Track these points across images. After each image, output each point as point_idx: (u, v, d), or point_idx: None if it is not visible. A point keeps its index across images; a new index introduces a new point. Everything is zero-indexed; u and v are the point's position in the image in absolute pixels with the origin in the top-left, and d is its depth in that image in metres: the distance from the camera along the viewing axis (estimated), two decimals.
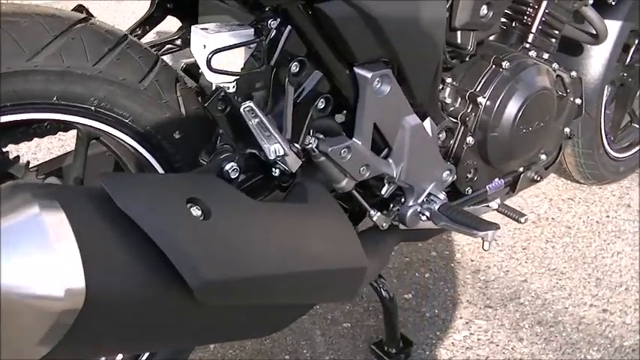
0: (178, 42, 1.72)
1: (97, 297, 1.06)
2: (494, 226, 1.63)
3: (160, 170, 1.46)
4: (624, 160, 2.73)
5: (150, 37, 1.66)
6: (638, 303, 2.27)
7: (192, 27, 1.36)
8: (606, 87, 2.48)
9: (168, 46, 1.72)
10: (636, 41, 2.58)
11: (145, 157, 1.45)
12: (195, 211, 1.18)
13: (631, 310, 2.23)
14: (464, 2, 1.62)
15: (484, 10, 1.66)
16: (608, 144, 2.61)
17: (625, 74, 2.58)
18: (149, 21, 1.67)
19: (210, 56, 1.31)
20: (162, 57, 1.54)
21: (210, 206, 1.19)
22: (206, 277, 1.13)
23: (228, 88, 1.38)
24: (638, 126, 2.83)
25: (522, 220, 1.86)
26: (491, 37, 1.94)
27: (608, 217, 2.63)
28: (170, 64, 1.43)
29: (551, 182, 2.75)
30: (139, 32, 1.67)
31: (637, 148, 2.79)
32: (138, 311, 1.14)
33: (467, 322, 2.15)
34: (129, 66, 1.36)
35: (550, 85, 1.84)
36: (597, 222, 2.60)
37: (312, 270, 1.31)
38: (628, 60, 2.58)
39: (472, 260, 2.37)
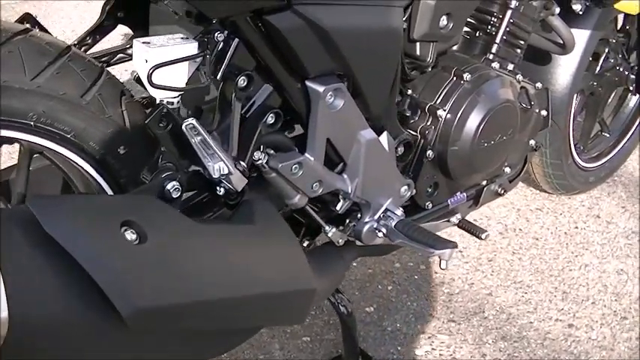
0: (130, 51, 1.66)
1: (23, 327, 1.01)
2: (452, 245, 1.58)
3: (106, 186, 1.42)
4: (594, 170, 2.69)
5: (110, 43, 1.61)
6: (604, 318, 2.22)
7: (134, 40, 1.31)
8: (575, 96, 2.43)
9: (119, 55, 1.67)
10: (606, 50, 2.53)
11: (89, 173, 1.39)
12: (130, 235, 1.13)
13: (597, 325, 2.20)
14: (422, 13, 1.57)
15: (444, 21, 1.61)
16: (578, 154, 2.57)
17: (595, 83, 2.54)
18: (99, 30, 1.61)
19: (150, 71, 1.25)
20: (114, 66, 1.48)
21: (147, 229, 1.14)
22: (137, 304, 1.08)
23: (173, 103, 1.32)
24: (608, 135, 2.78)
25: (483, 236, 1.82)
26: (455, 47, 1.88)
27: (576, 228, 2.59)
28: (122, 73, 1.37)
29: (520, 192, 2.70)
30: (89, 41, 1.61)
31: (607, 158, 2.75)
32: (67, 341, 1.09)
33: (429, 337, 2.10)
34: (70, 80, 1.32)
35: (513, 98, 1.79)
36: (565, 233, 2.56)
37: (254, 294, 1.26)
38: (598, 69, 2.53)
39: (436, 272, 2.32)
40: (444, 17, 1.62)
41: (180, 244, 1.19)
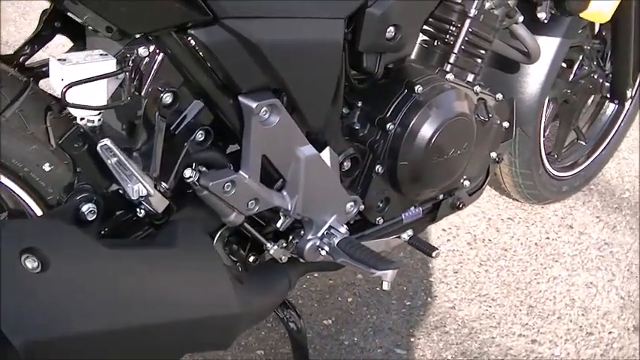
0: None
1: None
2: (394, 265, 1.53)
3: (34, 205, 1.36)
4: (567, 180, 2.63)
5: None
6: (569, 333, 2.17)
7: (50, 58, 1.25)
8: (547, 104, 2.37)
9: None
10: (580, 57, 2.47)
11: (14, 191, 1.34)
12: (31, 263, 1.08)
13: (561, 341, 2.15)
14: (367, 24, 1.51)
15: (391, 32, 1.56)
16: (550, 163, 2.51)
17: (569, 91, 2.48)
18: (37, 40, 1.55)
19: (64, 90, 1.20)
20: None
21: (50, 256, 1.09)
22: (30, 335, 1.02)
23: (94, 121, 1.27)
24: (584, 143, 2.72)
25: (434, 254, 1.76)
26: (413, 56, 1.82)
27: (547, 238, 2.53)
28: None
29: (492, 201, 2.65)
30: (28, 51, 1.56)
31: (582, 167, 2.69)
32: None
33: (386, 352, 2.05)
34: None
35: (468, 111, 1.73)
36: (536, 244, 2.50)
37: (171, 321, 1.21)
38: (572, 76, 2.47)
39: (399, 284, 2.27)
40: (391, 28, 1.56)
41: (88, 271, 1.14)
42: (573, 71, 2.50)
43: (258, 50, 1.34)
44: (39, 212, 1.37)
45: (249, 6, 1.32)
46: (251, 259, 1.66)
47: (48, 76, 1.53)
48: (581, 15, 1.99)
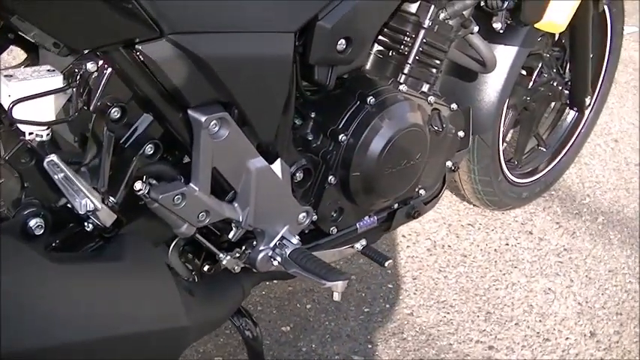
0: None
1: None
2: (344, 277, 1.55)
3: None
4: (527, 186, 2.66)
5: None
6: (526, 340, 2.19)
7: None
8: (506, 112, 2.40)
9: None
10: (539, 64, 2.49)
11: None
12: None
13: (518, 348, 2.17)
14: (318, 37, 1.52)
15: (342, 44, 1.57)
16: (509, 170, 2.54)
17: (528, 98, 2.50)
18: None
19: (11, 106, 1.21)
20: None
21: None
22: None
23: (42, 136, 1.28)
24: (545, 149, 2.75)
25: (386, 264, 1.78)
26: (368, 66, 1.84)
27: (507, 244, 2.56)
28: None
29: (453, 207, 2.67)
30: None
31: (542, 173, 2.72)
32: None
33: (344, 359, 2.06)
34: None
35: (421, 122, 1.75)
36: (495, 250, 2.53)
37: (115, 335, 1.22)
38: (531, 84, 2.49)
39: (358, 291, 2.29)
40: (342, 40, 1.57)
41: (34, 287, 1.15)
42: (533, 79, 2.53)
43: (206, 65, 1.34)
44: None
45: (197, 21, 1.33)
46: (206, 268, 1.67)
47: None
48: (535, 26, 2.01)
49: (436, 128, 1.84)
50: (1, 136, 1.33)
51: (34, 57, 1.50)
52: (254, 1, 1.41)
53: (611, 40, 2.75)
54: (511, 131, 2.66)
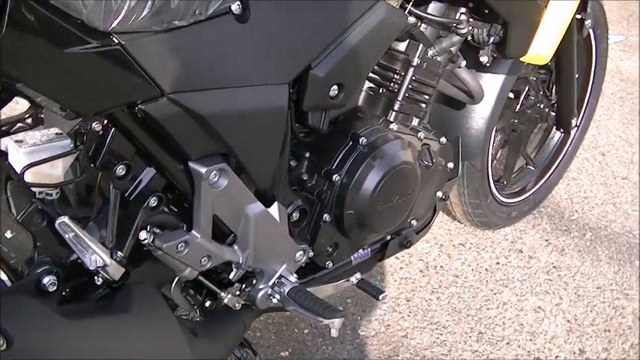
0: (29, 120, 1.67)
1: None
2: (340, 314, 1.63)
3: None
4: (516, 205, 2.73)
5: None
6: (517, 359, 2.26)
7: (8, 139, 1.33)
8: (494, 134, 2.47)
9: (19, 124, 1.67)
10: (526, 88, 2.57)
11: None
12: None
13: None
14: (311, 85, 1.59)
15: (334, 90, 1.64)
16: (498, 190, 2.61)
17: (516, 120, 2.58)
18: None
19: (23, 171, 1.28)
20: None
21: (13, 332, 1.17)
22: None
23: (52, 195, 1.35)
24: (534, 168, 2.83)
25: (381, 297, 1.86)
26: (360, 102, 1.91)
27: (498, 264, 2.63)
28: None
29: (444, 226, 2.74)
30: None
31: (531, 192, 2.79)
32: None
33: None
34: None
35: (412, 159, 1.82)
36: (486, 270, 2.60)
37: None
38: (519, 107, 2.56)
39: (353, 314, 2.36)
40: (335, 87, 1.64)
41: (50, 344, 1.22)
42: (520, 102, 2.61)
43: (205, 121, 1.41)
44: (2, 276, 1.44)
45: (195, 79, 1.39)
46: (207, 303, 1.74)
47: (9, 133, 1.60)
48: (521, 59, 2.07)
49: (426, 163, 1.91)
50: (12, 193, 1.39)
51: (39, 105, 1.56)
52: (249, 56, 1.46)
53: (596, 60, 2.82)
54: (499, 151, 2.73)
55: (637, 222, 2.94)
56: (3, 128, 1.56)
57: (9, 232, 1.40)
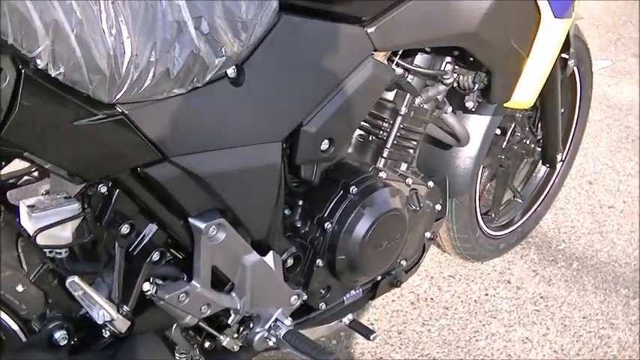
0: (35, 174, 1.76)
1: None
2: (333, 356, 1.72)
3: (10, 321, 1.53)
4: (504, 237, 2.82)
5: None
6: None
7: (20, 203, 1.42)
8: (482, 171, 2.56)
9: (25, 177, 1.77)
10: (513, 125, 2.66)
11: None
12: None
13: None
14: (303, 141, 1.68)
15: (325, 144, 1.73)
16: (486, 223, 2.70)
17: (503, 157, 2.67)
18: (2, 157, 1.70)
19: (35, 234, 1.37)
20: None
21: None
22: None
23: (61, 253, 1.44)
24: (521, 201, 2.92)
25: (372, 337, 1.95)
26: (350, 149, 2.00)
27: (486, 295, 2.72)
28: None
29: (434, 258, 2.84)
30: None
31: (518, 224, 2.88)
32: None
33: None
34: None
35: (400, 205, 1.92)
36: (475, 301, 2.69)
37: None
38: (505, 143, 2.66)
39: (347, 347, 2.44)
40: (326, 141, 1.73)
41: None
42: (507, 138, 2.69)
43: (203, 181, 1.51)
44: (14, 326, 1.54)
45: (194, 142, 1.49)
46: (207, 344, 1.84)
47: (16, 186, 1.70)
48: (504, 105, 2.17)
49: (414, 208, 2.01)
50: (22, 249, 1.49)
51: None
52: (245, 117, 1.56)
53: (580, 95, 2.92)
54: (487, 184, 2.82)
55: (622, 251, 3.02)
56: (10, 181, 1.66)
57: (20, 285, 1.50)
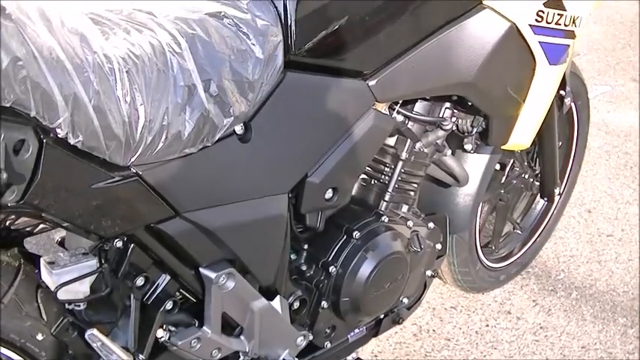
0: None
1: None
2: None
3: None
4: (504, 269, 2.90)
5: None
6: None
7: (41, 259, 1.51)
8: (482, 205, 2.64)
9: (42, 225, 1.85)
10: (511, 160, 2.74)
11: (12, 359, 1.59)
12: None
13: None
14: (308, 191, 1.76)
15: (329, 193, 1.81)
16: (486, 256, 2.78)
17: (502, 191, 2.75)
18: None
19: (56, 290, 1.46)
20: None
21: None
22: None
23: (80, 305, 1.53)
24: (520, 232, 3.00)
25: None
26: (353, 192, 2.09)
27: (487, 326, 2.80)
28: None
29: (436, 290, 2.91)
30: (2, 216, 1.78)
31: (518, 255, 2.96)
32: None
33: None
34: None
35: (401, 248, 2.00)
36: (476, 332, 2.76)
37: None
38: (504, 178, 2.73)
39: None
40: (330, 190, 1.81)
41: None
42: (506, 173, 2.77)
43: (214, 234, 1.60)
44: None
45: (205, 198, 1.58)
46: None
47: (32, 234, 1.78)
48: (502, 147, 2.25)
49: (415, 249, 2.09)
50: (42, 300, 1.57)
51: None
52: (252, 172, 1.65)
53: (578, 129, 3.00)
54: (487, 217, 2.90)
55: (620, 280, 3.09)
56: (27, 229, 1.74)
57: (40, 334, 1.58)
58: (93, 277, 1.52)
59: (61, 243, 1.83)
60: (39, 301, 1.57)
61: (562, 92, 2.57)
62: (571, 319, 2.87)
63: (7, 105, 1.21)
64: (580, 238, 3.33)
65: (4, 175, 1.22)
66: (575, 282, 3.07)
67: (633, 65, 5.07)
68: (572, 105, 2.85)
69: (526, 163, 2.83)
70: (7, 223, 1.66)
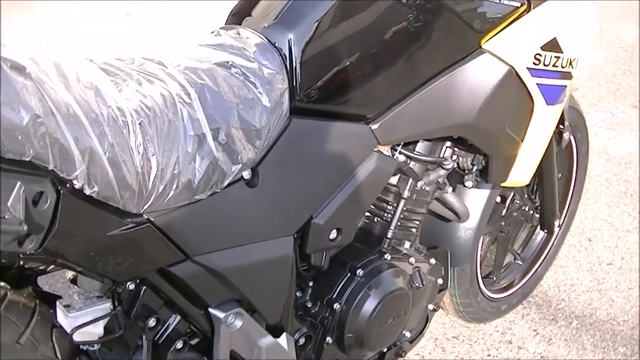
0: None
1: None
2: None
3: None
4: (505, 299, 2.95)
5: None
6: None
7: (57, 303, 1.57)
8: (483, 238, 2.70)
9: (53, 266, 1.91)
10: (512, 193, 2.80)
11: None
12: None
13: None
14: (313, 232, 1.82)
15: (334, 234, 1.87)
16: (487, 287, 2.83)
17: (503, 223, 2.81)
18: None
19: (72, 332, 1.52)
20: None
21: None
22: None
23: (94, 346, 1.59)
24: (521, 263, 3.05)
25: None
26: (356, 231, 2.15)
27: (489, 355, 2.85)
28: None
29: (438, 320, 2.96)
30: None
31: (518, 286, 3.01)
32: None
33: None
34: (6, 328, 1.55)
35: (404, 284, 2.06)
36: None
37: None
38: (505, 211, 2.79)
39: None
40: (334, 231, 1.88)
41: None
42: (506, 206, 2.83)
43: (222, 276, 1.66)
44: None
45: (214, 242, 1.64)
46: None
47: (45, 272, 1.84)
48: (501, 185, 2.32)
49: (417, 285, 2.15)
50: (56, 339, 1.64)
51: None
52: (259, 216, 1.71)
53: (577, 162, 3.06)
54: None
55: (621, 309, 3.14)
56: (40, 268, 1.80)
57: None
58: (107, 319, 1.57)
59: (74, 281, 1.88)
60: (54, 341, 1.62)
61: (561, 127, 2.61)
62: (571, 348, 2.92)
63: (27, 159, 1.27)
64: (580, 266, 3.38)
65: (25, 227, 1.28)
66: (576, 311, 3.12)
67: (634, 92, 5.12)
68: (572, 138, 2.90)
69: (526, 196, 2.89)
70: (22, 262, 1.72)
